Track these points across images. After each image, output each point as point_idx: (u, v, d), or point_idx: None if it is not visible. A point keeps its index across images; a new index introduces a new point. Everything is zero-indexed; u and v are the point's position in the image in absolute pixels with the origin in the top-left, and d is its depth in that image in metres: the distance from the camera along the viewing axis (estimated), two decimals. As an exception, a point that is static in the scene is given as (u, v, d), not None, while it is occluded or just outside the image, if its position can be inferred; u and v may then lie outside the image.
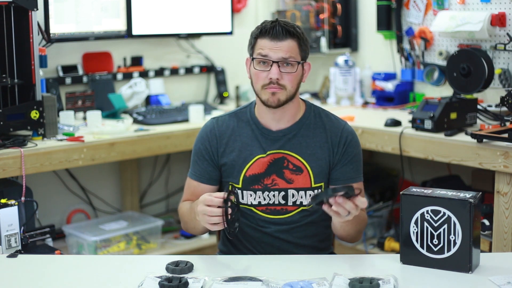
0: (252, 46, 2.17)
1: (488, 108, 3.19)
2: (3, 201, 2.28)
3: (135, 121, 3.48)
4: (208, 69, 4.21)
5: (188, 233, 2.33)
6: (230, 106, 4.01)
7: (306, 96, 4.11)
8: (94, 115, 3.29)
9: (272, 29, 2.11)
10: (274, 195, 2.19)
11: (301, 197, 2.19)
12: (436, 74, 3.58)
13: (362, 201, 1.90)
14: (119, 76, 3.83)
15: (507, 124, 2.93)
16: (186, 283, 1.77)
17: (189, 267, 1.89)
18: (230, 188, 1.94)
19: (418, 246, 1.90)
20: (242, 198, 2.21)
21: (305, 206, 2.20)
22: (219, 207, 1.92)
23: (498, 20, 3.22)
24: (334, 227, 2.14)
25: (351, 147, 2.23)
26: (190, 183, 2.29)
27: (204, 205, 1.94)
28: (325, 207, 1.90)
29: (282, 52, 2.11)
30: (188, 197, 2.29)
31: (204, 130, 2.29)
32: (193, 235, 2.38)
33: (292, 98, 2.17)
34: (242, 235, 2.27)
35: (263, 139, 2.22)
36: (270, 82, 2.12)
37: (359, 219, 2.11)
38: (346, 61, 3.92)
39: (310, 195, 2.18)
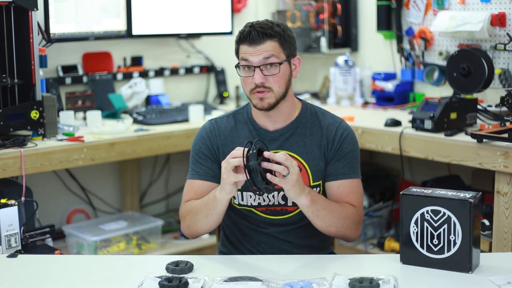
0: (236, 52, 2.18)
1: (488, 108, 3.19)
2: (3, 201, 2.28)
3: (135, 121, 3.48)
4: (208, 69, 4.21)
5: (190, 235, 2.23)
6: (230, 106, 4.02)
7: (306, 96, 4.11)
8: (94, 115, 3.29)
9: (249, 35, 2.11)
10: (273, 196, 2.19)
11: None
12: (436, 74, 3.58)
13: (281, 153, 1.95)
14: (119, 76, 3.83)
15: (507, 124, 2.93)
16: (186, 283, 1.77)
17: (189, 267, 1.89)
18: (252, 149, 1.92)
19: (418, 246, 1.90)
20: (242, 200, 2.21)
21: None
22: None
23: (498, 20, 3.22)
24: (310, 218, 2.11)
25: (345, 143, 2.22)
26: (193, 184, 2.24)
27: (228, 159, 1.96)
28: (268, 176, 1.92)
29: (262, 55, 2.10)
30: (191, 197, 2.22)
31: (203, 131, 2.28)
32: (196, 236, 2.27)
33: (284, 98, 2.17)
34: (242, 235, 2.26)
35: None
36: (256, 87, 2.12)
37: (333, 207, 2.11)
38: (346, 61, 3.92)
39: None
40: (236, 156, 1.95)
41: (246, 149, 1.92)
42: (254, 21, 2.17)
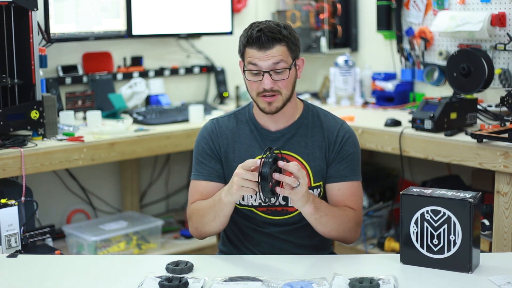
0: (242, 54, 2.15)
1: (488, 108, 3.19)
2: (3, 201, 2.28)
3: (135, 121, 3.48)
4: (208, 69, 4.21)
5: (198, 236, 2.24)
6: (230, 106, 4.02)
7: (306, 96, 4.11)
8: (94, 115, 3.29)
9: (258, 39, 2.08)
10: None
11: None
12: (436, 74, 3.58)
13: (292, 163, 1.94)
14: (119, 76, 3.83)
15: (507, 124, 2.93)
16: (186, 283, 1.77)
17: (189, 267, 1.89)
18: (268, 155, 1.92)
19: (418, 246, 1.90)
20: (243, 199, 2.20)
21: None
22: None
23: (498, 20, 3.22)
24: (313, 224, 2.11)
25: (347, 145, 2.22)
26: (198, 185, 2.23)
27: (240, 168, 1.95)
28: (278, 189, 1.92)
29: (272, 60, 2.09)
30: (197, 198, 2.22)
31: (205, 131, 2.28)
32: (204, 237, 2.26)
33: (289, 100, 2.17)
34: (242, 235, 2.27)
35: (263, 140, 2.22)
36: (264, 91, 2.11)
37: (334, 212, 2.11)
38: (346, 61, 3.92)
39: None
40: (250, 166, 1.95)
41: (263, 157, 1.92)
42: (259, 21, 2.14)
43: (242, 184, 1.95)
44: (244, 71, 2.15)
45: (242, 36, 2.15)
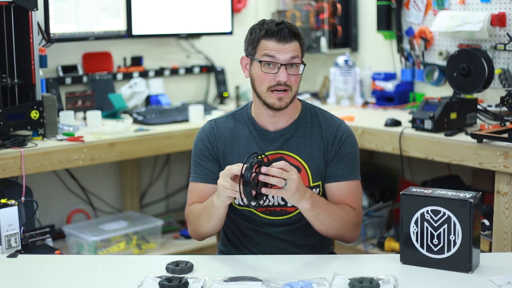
0: (254, 47, 2.15)
1: (488, 108, 3.19)
2: (3, 201, 2.27)
3: (135, 121, 3.48)
4: (208, 69, 4.21)
5: (196, 238, 2.25)
6: (230, 106, 4.02)
7: (306, 96, 4.11)
8: (94, 115, 3.29)
9: (280, 31, 2.09)
10: (273, 197, 2.19)
11: None
12: (436, 74, 3.58)
13: (279, 163, 1.95)
14: (119, 76, 3.83)
15: (507, 124, 2.93)
16: (186, 283, 1.77)
17: (189, 267, 1.89)
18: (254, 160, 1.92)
19: (418, 246, 1.90)
20: (242, 200, 2.20)
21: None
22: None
23: (498, 20, 3.22)
24: (311, 221, 2.12)
25: (345, 145, 2.22)
26: (195, 187, 2.24)
27: (223, 176, 1.98)
28: (264, 190, 1.94)
29: (290, 54, 2.10)
30: (195, 200, 2.24)
31: (203, 132, 2.28)
32: (202, 239, 2.28)
33: (294, 98, 2.18)
34: (242, 235, 2.27)
35: (261, 140, 2.21)
36: (277, 84, 2.12)
37: (333, 210, 2.12)
38: (346, 61, 3.92)
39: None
40: (233, 172, 1.97)
41: (246, 164, 1.92)
42: (270, 19, 2.17)
43: (227, 194, 1.99)
44: (260, 61, 2.11)
45: (256, 29, 2.14)
